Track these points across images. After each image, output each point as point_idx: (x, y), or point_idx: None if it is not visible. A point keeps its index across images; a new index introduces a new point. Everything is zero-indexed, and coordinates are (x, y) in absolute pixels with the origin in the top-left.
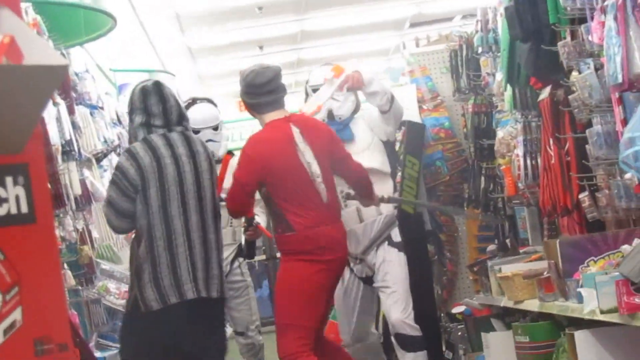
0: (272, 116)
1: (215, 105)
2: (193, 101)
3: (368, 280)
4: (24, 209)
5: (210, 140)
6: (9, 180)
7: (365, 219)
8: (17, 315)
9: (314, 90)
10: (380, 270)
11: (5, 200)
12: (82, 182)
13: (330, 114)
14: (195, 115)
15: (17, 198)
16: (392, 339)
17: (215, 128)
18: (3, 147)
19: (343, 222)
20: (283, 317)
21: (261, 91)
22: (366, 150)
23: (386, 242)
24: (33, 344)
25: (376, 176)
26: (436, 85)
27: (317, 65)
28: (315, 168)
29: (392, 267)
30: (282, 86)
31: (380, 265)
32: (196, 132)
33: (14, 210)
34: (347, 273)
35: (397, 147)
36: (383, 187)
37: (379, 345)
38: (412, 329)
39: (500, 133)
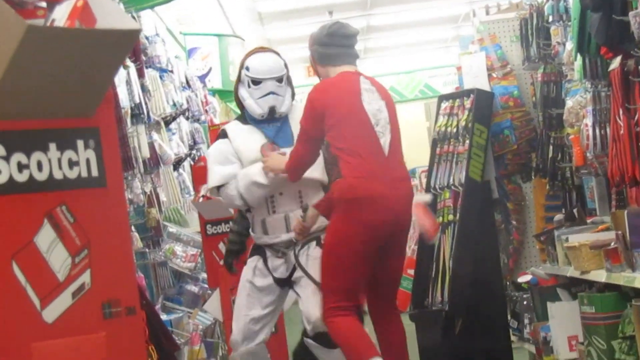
0: (344, 68)
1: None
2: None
3: (281, 282)
4: (95, 172)
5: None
6: (80, 143)
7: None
8: (86, 277)
9: (254, 82)
10: (307, 266)
11: (76, 163)
12: (151, 145)
13: (273, 111)
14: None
15: (87, 161)
16: (311, 341)
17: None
18: (75, 111)
19: (408, 189)
20: (322, 278)
21: (342, 43)
22: None
23: (314, 242)
24: (101, 307)
25: (313, 189)
26: (506, 54)
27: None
28: (383, 116)
29: (316, 264)
30: (355, 49)
31: (307, 261)
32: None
33: (84, 174)
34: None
35: (465, 115)
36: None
37: (265, 349)
38: None
39: (569, 102)
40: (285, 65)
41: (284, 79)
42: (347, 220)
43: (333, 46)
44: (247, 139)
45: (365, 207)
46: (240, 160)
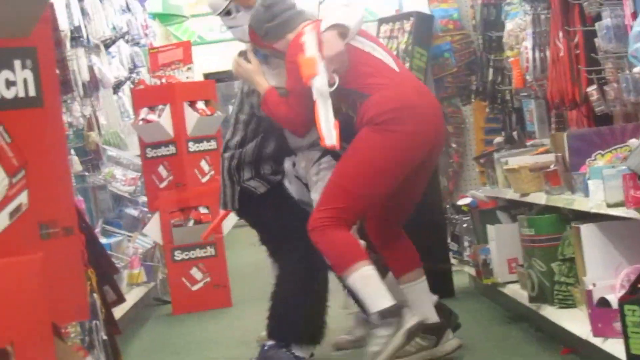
0: (304, 24)
1: None
2: None
3: None
4: (32, 92)
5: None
6: (17, 63)
7: None
8: (23, 198)
9: None
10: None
11: (13, 83)
12: (90, 69)
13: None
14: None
15: (25, 81)
16: None
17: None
18: (11, 30)
19: (436, 101)
20: (333, 184)
21: (285, 5)
22: None
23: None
24: (38, 227)
25: None
26: None
27: None
28: (364, 40)
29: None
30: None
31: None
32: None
33: (21, 94)
34: None
35: (405, 38)
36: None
37: None
38: None
39: (509, 25)
40: None
41: (232, 10)
42: (389, 133)
43: (280, 14)
44: None
45: (407, 117)
46: None
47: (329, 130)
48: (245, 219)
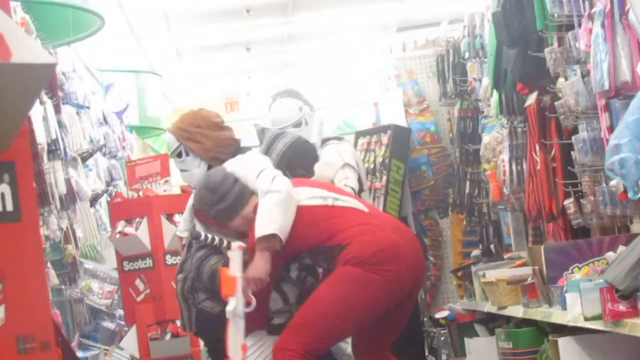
0: (254, 199)
1: (297, 97)
2: (273, 99)
3: None
4: (9, 207)
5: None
6: None
7: None
8: (0, 313)
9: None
10: None
11: None
12: (67, 181)
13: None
14: (274, 116)
15: (2, 196)
16: None
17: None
18: None
19: (413, 235)
20: (307, 314)
21: (232, 183)
22: None
23: None
24: (16, 342)
25: None
26: (422, 90)
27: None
28: (323, 194)
29: None
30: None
31: None
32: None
33: None
34: None
35: (382, 151)
36: None
37: None
38: None
39: (485, 138)
40: (181, 136)
41: (182, 152)
42: (371, 274)
43: (227, 194)
44: None
45: (390, 259)
46: None
47: (235, 351)
48: (203, 339)
